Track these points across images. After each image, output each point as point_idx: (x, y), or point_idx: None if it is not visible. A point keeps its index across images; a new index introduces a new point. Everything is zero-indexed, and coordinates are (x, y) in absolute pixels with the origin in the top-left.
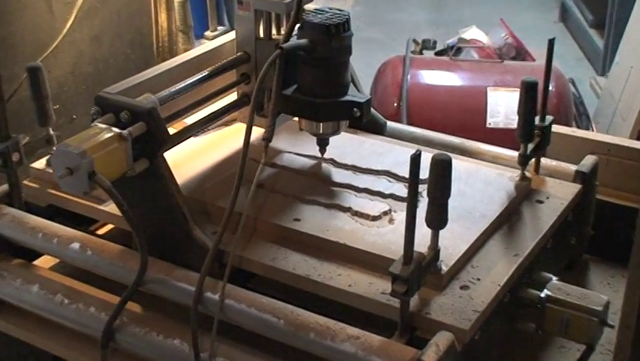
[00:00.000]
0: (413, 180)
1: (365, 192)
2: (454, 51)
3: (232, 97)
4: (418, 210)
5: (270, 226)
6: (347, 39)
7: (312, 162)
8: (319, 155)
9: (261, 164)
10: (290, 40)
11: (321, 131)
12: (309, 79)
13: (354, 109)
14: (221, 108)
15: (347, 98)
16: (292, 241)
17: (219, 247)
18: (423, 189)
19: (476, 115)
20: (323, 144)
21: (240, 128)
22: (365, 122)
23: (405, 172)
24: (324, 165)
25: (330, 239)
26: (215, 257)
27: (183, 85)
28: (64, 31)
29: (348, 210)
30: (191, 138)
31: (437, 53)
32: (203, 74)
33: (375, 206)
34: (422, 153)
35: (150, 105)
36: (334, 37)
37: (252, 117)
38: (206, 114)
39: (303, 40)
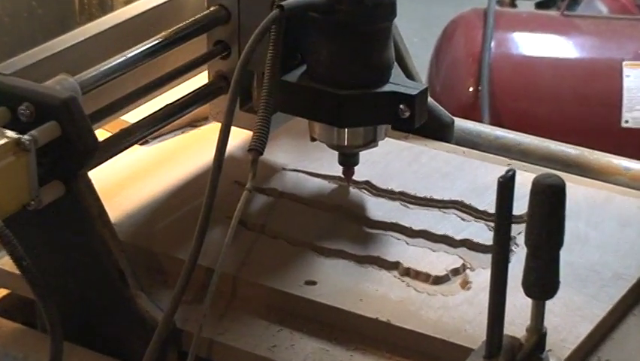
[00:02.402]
0: (502, 218)
1: (422, 238)
2: (567, 1)
3: (201, 80)
4: (510, 266)
5: (264, 293)
6: None
7: (333, 186)
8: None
9: (245, 190)
10: None
11: (345, 143)
12: (325, 57)
13: (400, 106)
14: (183, 99)
15: (388, 87)
16: (302, 317)
17: (176, 324)
18: (518, 232)
19: (605, 107)
20: (350, 162)
21: (214, 130)
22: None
23: (487, 204)
24: (353, 191)
25: (365, 315)
26: (166, 339)
27: (122, 60)
28: None
29: (394, 266)
30: (136, 147)
31: (539, 5)
32: (154, 43)
33: (439, 260)
34: (517, 172)
35: (67, 94)
36: None
37: (232, 113)
38: (160, 108)
39: None
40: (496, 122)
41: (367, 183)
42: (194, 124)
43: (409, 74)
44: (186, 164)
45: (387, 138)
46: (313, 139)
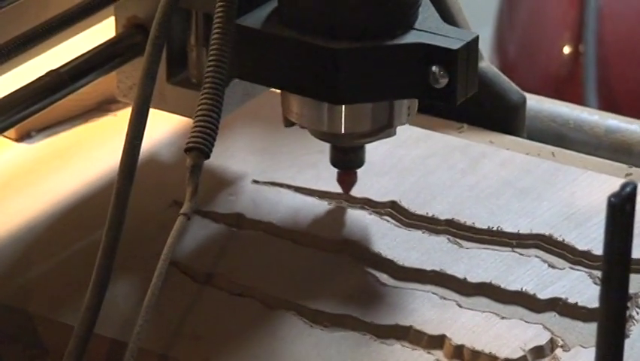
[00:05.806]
0: (615, 264)
1: (484, 295)
2: None
3: (104, 33)
4: (628, 344)
5: None
6: None
7: (335, 210)
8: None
9: (180, 214)
10: None
11: (342, 130)
12: None
13: (433, 68)
14: (75, 63)
15: (412, 37)
16: None
17: None
18: None
19: None
20: (349, 163)
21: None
22: (466, 101)
23: (591, 241)
24: (369, 218)
25: None
26: None
27: None
28: None
29: (437, 343)
30: (9, 144)
31: None
32: None
33: (511, 333)
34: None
35: None
36: None
37: (151, 85)
38: (37, 78)
39: None
40: (607, 104)
41: (393, 205)
42: (105, 107)
43: (448, 18)
44: (89, 170)
45: (428, 131)
46: (289, 123)
